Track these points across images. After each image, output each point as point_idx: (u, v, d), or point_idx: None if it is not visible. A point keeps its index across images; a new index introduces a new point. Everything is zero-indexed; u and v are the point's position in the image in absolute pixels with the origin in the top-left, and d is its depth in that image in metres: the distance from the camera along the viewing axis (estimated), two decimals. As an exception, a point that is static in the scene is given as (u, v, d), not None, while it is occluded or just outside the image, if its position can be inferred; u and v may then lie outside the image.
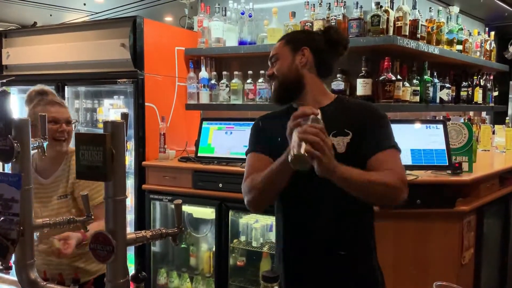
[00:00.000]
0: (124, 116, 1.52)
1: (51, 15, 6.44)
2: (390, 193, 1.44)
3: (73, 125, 2.02)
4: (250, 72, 3.22)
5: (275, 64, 1.65)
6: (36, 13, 6.32)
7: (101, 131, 0.99)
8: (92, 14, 6.48)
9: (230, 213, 2.90)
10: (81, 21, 5.76)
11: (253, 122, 1.75)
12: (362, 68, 2.78)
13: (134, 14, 3.16)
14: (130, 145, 3.06)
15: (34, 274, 1.24)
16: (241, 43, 3.26)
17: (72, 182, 1.99)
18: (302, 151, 1.22)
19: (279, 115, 1.68)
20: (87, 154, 0.97)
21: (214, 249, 3.00)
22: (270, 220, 3.03)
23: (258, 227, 3.01)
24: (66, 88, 3.52)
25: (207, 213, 3.00)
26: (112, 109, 3.51)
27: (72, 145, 2.00)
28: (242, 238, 3.08)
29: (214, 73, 3.38)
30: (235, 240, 3.05)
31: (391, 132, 1.57)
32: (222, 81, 3.30)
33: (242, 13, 3.26)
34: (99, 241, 1.00)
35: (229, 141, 3.01)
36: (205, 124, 3.12)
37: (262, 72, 3.16)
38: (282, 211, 1.65)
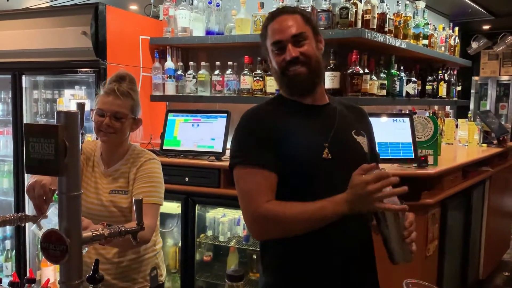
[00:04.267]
0: (80, 106, 1.44)
1: (8, 0, 6.14)
2: None
3: (122, 121, 1.84)
4: (217, 63, 3.15)
5: (303, 44, 1.35)
6: (-8, -2, 6.01)
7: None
8: (52, 0, 6.22)
9: (197, 207, 2.85)
10: (41, 7, 5.51)
11: (241, 124, 1.41)
12: (330, 61, 2.76)
13: (96, 1, 3.02)
14: (92, 138, 2.94)
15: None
16: (209, 33, 3.19)
17: (134, 178, 1.85)
18: (413, 249, 1.31)
19: (272, 110, 1.42)
20: (38, 147, 0.90)
21: (180, 244, 2.94)
22: (238, 214, 2.99)
23: (226, 221, 2.96)
24: (23, 77, 3.35)
25: (173, 207, 2.93)
26: (73, 99, 3.36)
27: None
28: (209, 233, 3.03)
29: (181, 63, 3.29)
30: (201, 235, 2.99)
31: None
32: (188, 72, 3.21)
33: (210, 3, 3.18)
34: (51, 240, 0.93)
35: (196, 134, 2.94)
36: (170, 116, 3.04)
37: (230, 63, 3.09)
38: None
